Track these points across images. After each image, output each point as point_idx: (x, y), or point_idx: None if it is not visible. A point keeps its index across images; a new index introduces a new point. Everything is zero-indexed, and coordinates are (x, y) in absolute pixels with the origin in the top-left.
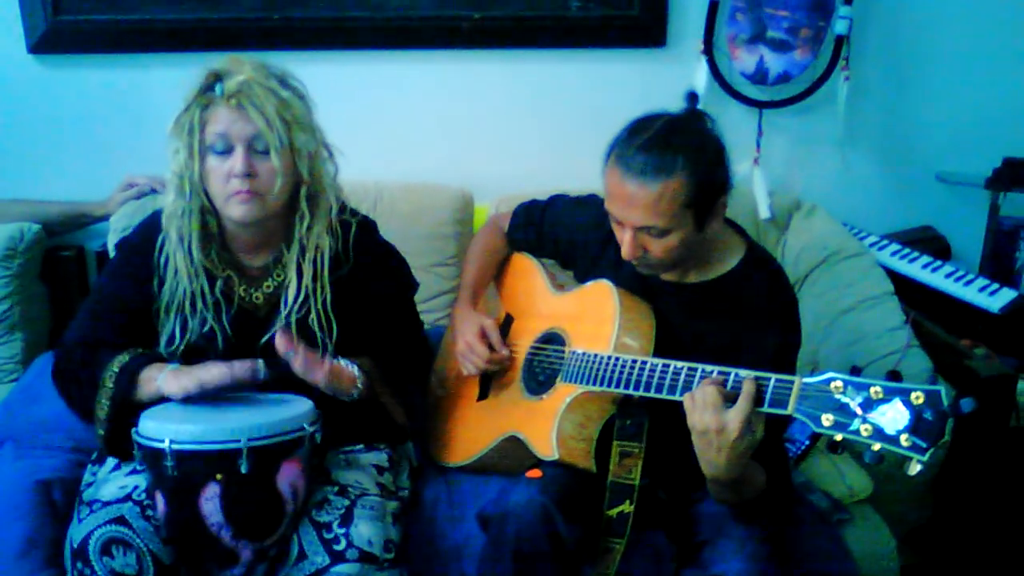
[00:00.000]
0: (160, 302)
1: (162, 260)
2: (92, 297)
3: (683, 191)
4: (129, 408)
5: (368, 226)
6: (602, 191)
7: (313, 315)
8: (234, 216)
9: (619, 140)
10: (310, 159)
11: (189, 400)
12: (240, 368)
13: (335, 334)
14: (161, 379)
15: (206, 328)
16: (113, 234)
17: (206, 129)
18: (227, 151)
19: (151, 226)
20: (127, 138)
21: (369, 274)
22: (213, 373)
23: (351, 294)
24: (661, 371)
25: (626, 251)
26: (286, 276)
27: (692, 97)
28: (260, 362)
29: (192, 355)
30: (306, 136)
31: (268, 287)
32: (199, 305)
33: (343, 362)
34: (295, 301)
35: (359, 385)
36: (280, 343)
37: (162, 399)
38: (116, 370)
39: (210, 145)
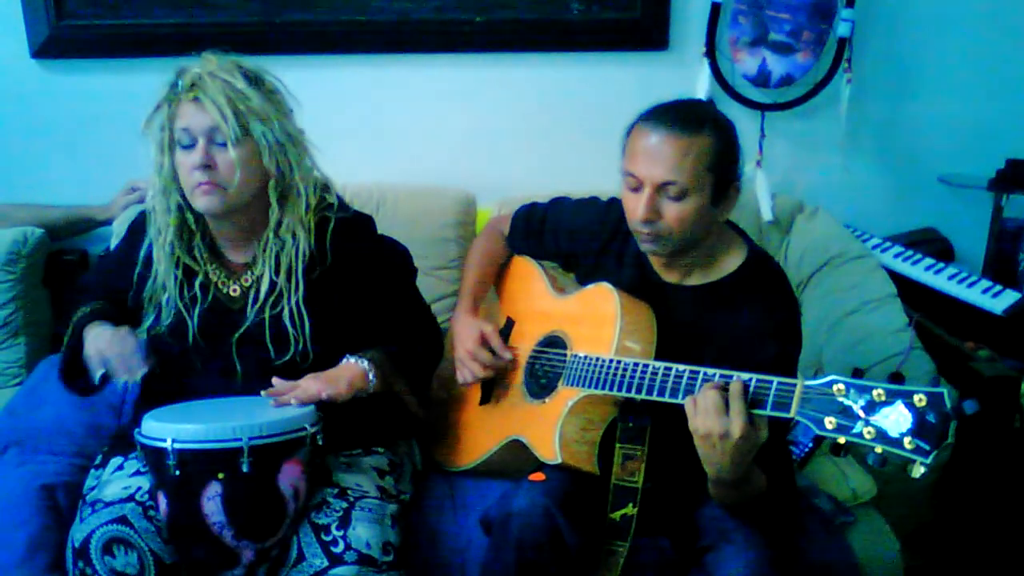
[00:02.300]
0: (144, 294)
1: (143, 253)
2: (90, 271)
3: (708, 151)
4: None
5: (354, 222)
6: (605, 193)
7: (286, 312)
8: (199, 208)
9: (643, 113)
10: (273, 152)
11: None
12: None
13: (308, 330)
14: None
15: (172, 320)
16: (116, 238)
17: (174, 125)
18: (191, 144)
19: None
20: (130, 142)
21: (356, 270)
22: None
23: (332, 290)
24: (663, 374)
25: (641, 212)
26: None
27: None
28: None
29: (162, 346)
30: (264, 127)
31: (245, 281)
32: (173, 296)
33: (352, 359)
34: (266, 297)
35: (371, 378)
36: (279, 400)
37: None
38: (83, 311)
39: (177, 140)
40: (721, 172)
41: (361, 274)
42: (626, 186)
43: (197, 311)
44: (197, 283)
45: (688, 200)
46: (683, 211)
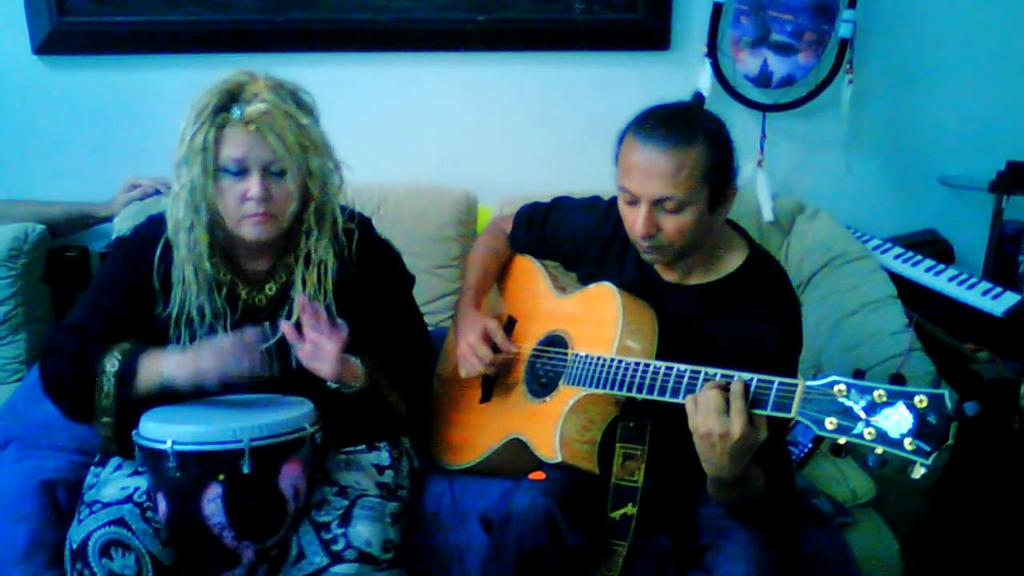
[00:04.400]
0: (171, 311)
1: (161, 267)
2: (88, 292)
3: (702, 163)
4: (131, 402)
5: (366, 226)
6: (606, 192)
7: None
8: (247, 237)
9: (633, 122)
10: (323, 180)
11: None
12: (247, 336)
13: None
14: (166, 365)
15: (207, 336)
16: (117, 235)
17: (220, 150)
18: (240, 173)
19: (151, 226)
20: (131, 139)
21: (372, 274)
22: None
23: (356, 296)
24: (664, 373)
25: (640, 228)
26: (289, 280)
27: (698, 99)
28: (265, 325)
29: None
30: (321, 159)
31: (270, 289)
32: (207, 315)
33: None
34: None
35: (359, 376)
36: (288, 333)
37: (162, 393)
38: (119, 358)
39: (223, 167)
40: (716, 179)
41: (376, 276)
42: (622, 199)
43: (229, 325)
44: (223, 297)
45: (686, 211)
46: (682, 223)
